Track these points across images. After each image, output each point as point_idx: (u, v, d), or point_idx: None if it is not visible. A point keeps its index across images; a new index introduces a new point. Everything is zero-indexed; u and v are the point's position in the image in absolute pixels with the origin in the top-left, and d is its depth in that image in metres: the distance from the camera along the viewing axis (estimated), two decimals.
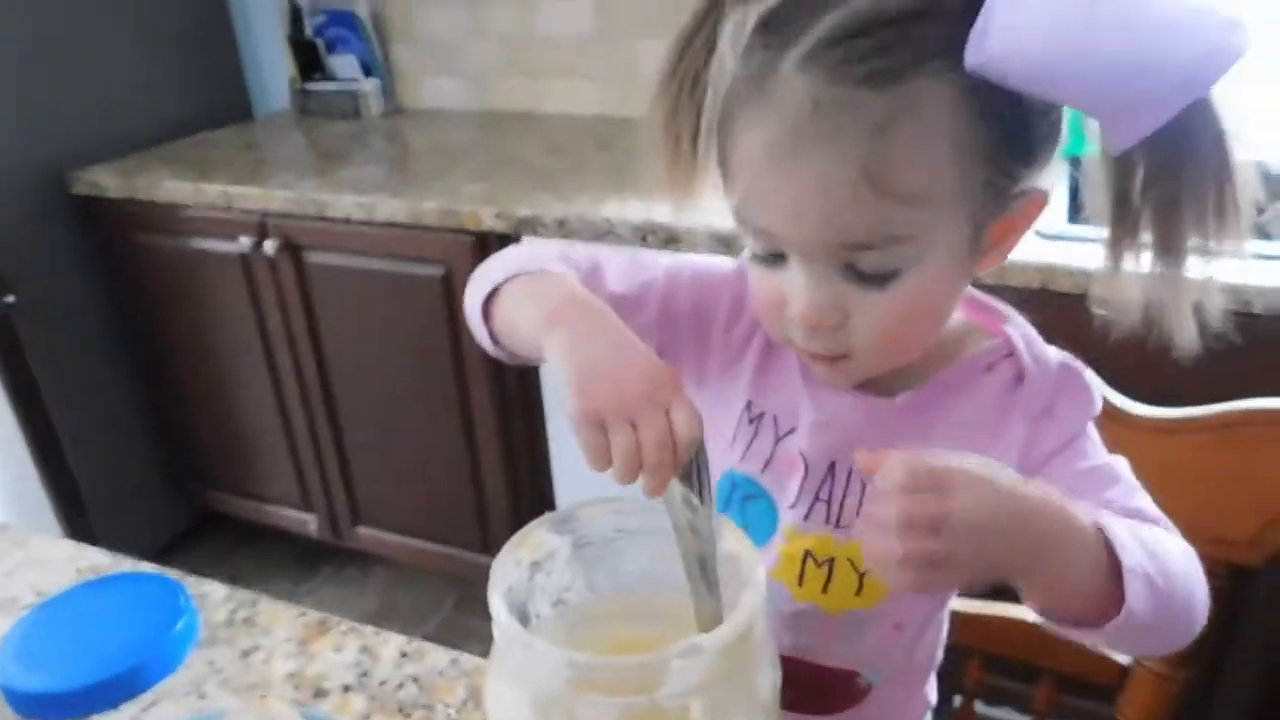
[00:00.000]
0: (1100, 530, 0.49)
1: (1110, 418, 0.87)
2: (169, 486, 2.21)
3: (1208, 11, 0.44)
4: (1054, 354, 0.62)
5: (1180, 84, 0.44)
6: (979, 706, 1.03)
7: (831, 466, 0.62)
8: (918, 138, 0.48)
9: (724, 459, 0.65)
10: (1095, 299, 0.53)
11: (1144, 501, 0.59)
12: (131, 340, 2.09)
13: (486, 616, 0.46)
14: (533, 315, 0.57)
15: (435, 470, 1.89)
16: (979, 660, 1.00)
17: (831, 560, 0.63)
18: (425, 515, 1.97)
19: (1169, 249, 0.49)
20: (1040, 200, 0.54)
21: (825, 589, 0.64)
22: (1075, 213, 1.45)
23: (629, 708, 0.43)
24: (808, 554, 0.63)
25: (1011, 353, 0.61)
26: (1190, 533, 0.85)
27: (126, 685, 0.71)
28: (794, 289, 0.53)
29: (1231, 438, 0.84)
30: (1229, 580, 0.87)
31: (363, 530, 2.04)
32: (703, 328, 0.66)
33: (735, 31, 0.51)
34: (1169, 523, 0.59)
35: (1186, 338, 0.51)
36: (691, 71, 0.55)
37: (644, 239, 1.49)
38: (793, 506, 0.63)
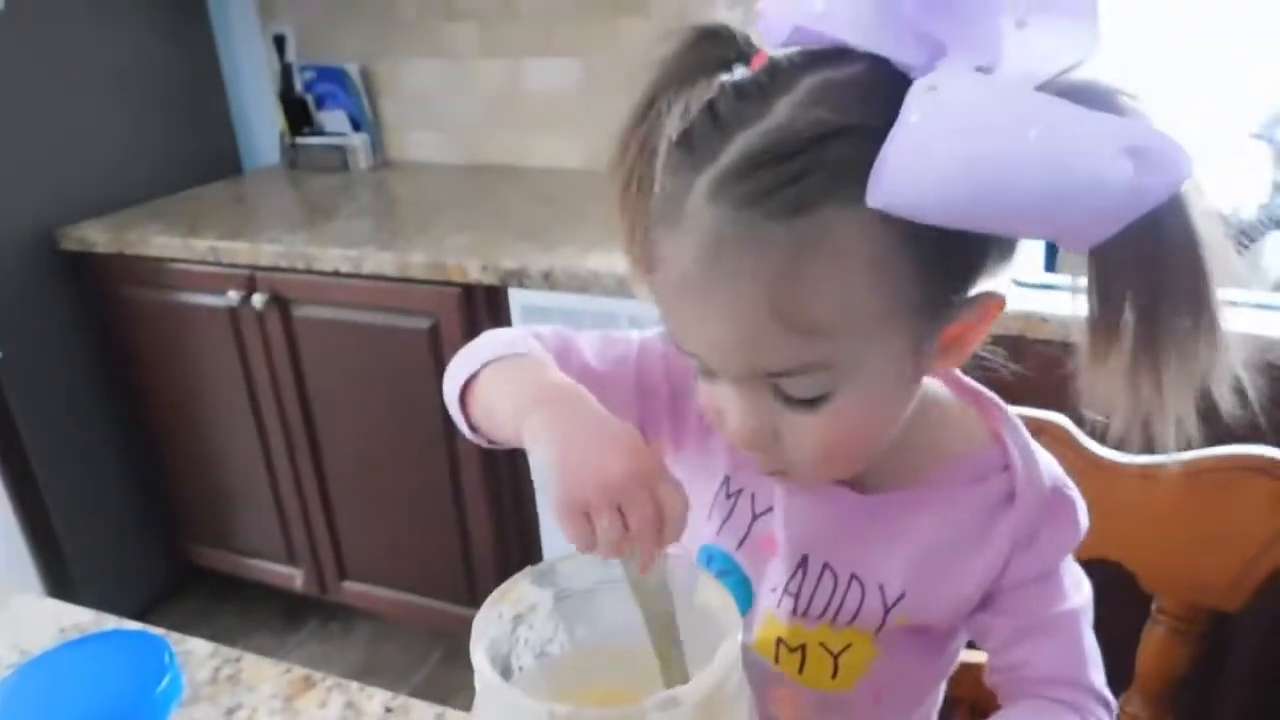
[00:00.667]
0: None
1: (1093, 465, 0.88)
2: (153, 540, 2.20)
3: (1140, 134, 0.41)
4: (1047, 475, 0.59)
5: (1121, 205, 0.42)
6: None
7: (803, 560, 0.61)
8: (829, 269, 0.46)
9: (701, 531, 0.64)
10: (1083, 398, 0.50)
11: (1093, 673, 0.60)
12: (118, 394, 2.09)
13: (472, 669, 0.46)
14: (510, 402, 0.57)
15: (422, 524, 1.89)
16: (967, 710, 1.01)
17: (803, 646, 0.62)
18: (412, 569, 1.96)
19: (1150, 343, 0.46)
20: (996, 303, 0.51)
21: (800, 671, 0.63)
22: (1052, 261, 1.49)
23: None
24: (780, 640, 0.62)
25: (1007, 466, 0.58)
26: (1169, 578, 0.87)
27: None
28: (727, 408, 0.53)
29: (1201, 484, 0.85)
30: (1210, 625, 0.88)
31: (349, 585, 2.03)
32: (677, 399, 0.65)
33: (666, 143, 0.50)
34: (1107, 698, 0.60)
35: (1167, 440, 0.49)
36: (636, 169, 0.54)
37: (628, 289, 1.51)
38: (767, 592, 0.62)
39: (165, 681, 0.75)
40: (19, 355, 1.90)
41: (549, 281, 1.56)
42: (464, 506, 1.83)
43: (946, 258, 0.48)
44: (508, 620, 0.51)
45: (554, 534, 1.78)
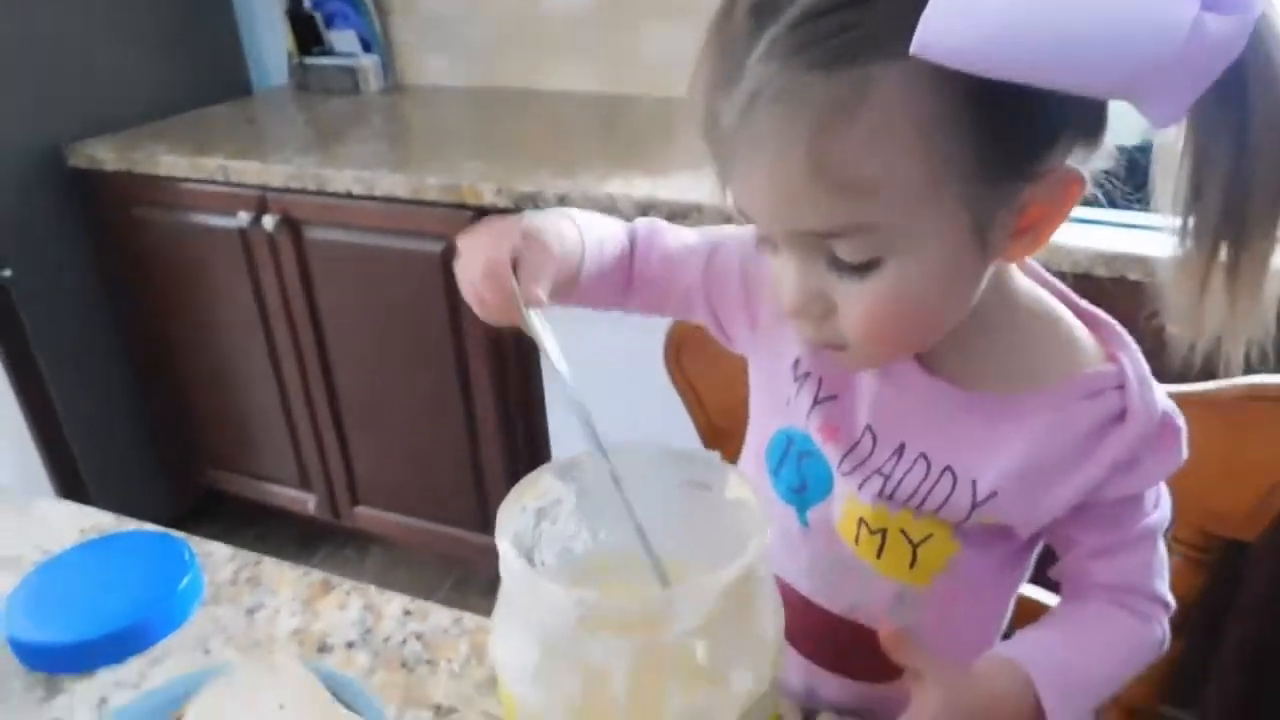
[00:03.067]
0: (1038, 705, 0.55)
1: None
2: (168, 464, 2.21)
3: None
4: (1160, 401, 0.58)
5: (1192, 54, 0.39)
6: None
7: (900, 447, 0.61)
8: (870, 126, 0.45)
9: (780, 414, 0.66)
10: (1170, 313, 0.50)
11: (1159, 582, 0.62)
12: (129, 315, 2.08)
13: (484, 595, 0.46)
14: None
15: (434, 449, 1.89)
16: None
17: (884, 530, 0.62)
18: (423, 494, 1.97)
19: (1235, 250, 0.45)
20: (1073, 180, 0.50)
21: (879, 556, 0.63)
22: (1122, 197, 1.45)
23: (637, 647, 0.43)
24: (861, 521, 0.63)
25: (1121, 386, 0.57)
26: (1187, 506, 0.87)
27: (132, 640, 0.72)
28: (783, 274, 0.53)
29: (1224, 414, 0.85)
30: (1225, 554, 0.88)
31: (361, 510, 2.05)
32: (751, 285, 0.67)
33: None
34: (1169, 603, 0.63)
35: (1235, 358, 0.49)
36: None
37: (646, 213, 1.49)
38: (847, 474, 0.62)
39: (186, 580, 0.76)
40: (29, 274, 1.89)
41: (564, 205, 1.53)
42: (476, 432, 1.83)
43: (1007, 124, 0.46)
44: (531, 514, 0.51)
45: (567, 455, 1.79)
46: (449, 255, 1.66)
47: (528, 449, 1.83)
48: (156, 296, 2.03)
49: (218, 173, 1.79)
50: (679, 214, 1.46)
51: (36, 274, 1.91)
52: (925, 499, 0.60)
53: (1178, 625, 0.90)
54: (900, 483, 0.60)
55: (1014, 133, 0.47)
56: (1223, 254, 0.46)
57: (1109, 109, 0.50)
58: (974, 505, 0.59)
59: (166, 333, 2.07)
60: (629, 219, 1.52)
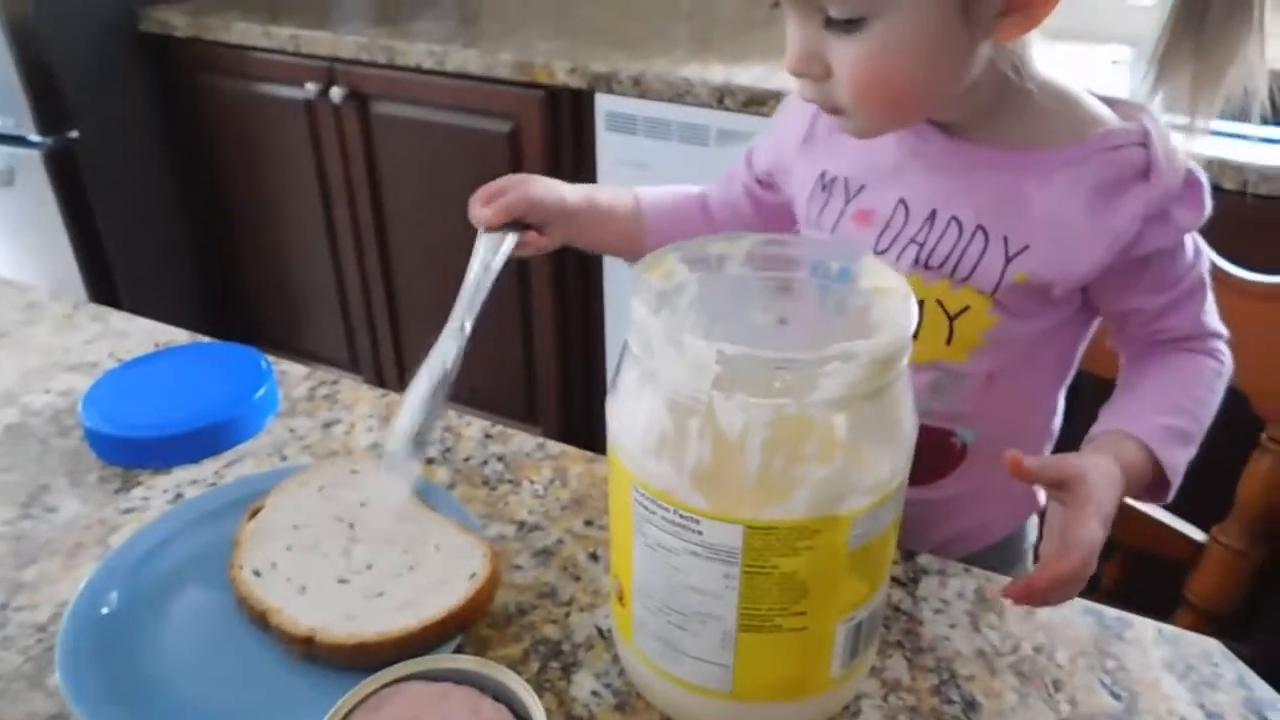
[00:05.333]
0: (1155, 462, 0.60)
1: (1219, 282, 0.83)
2: (215, 333, 2.21)
3: None
4: (1183, 158, 0.60)
5: None
6: None
7: (931, 214, 0.63)
8: None
9: (813, 230, 0.71)
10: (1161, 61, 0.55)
11: (1212, 319, 0.66)
12: (190, 183, 2.07)
13: None
14: None
15: (486, 339, 1.86)
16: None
17: (922, 303, 0.63)
18: (476, 385, 1.96)
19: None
20: None
21: (915, 335, 0.62)
22: None
23: (777, 411, 0.40)
24: None
25: (1144, 143, 0.59)
26: (1276, 400, 0.83)
27: (208, 440, 0.71)
28: (788, 35, 0.58)
29: None
30: None
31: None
32: (783, 150, 0.73)
33: None
34: (1223, 332, 0.67)
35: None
36: None
37: (721, 100, 1.44)
38: (881, 252, 0.65)
39: (262, 390, 0.74)
40: (95, 135, 1.88)
41: (639, 88, 1.49)
42: (531, 323, 1.81)
43: None
44: (654, 294, 0.48)
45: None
46: (517, 136, 1.63)
47: (581, 344, 1.80)
48: (218, 167, 2.01)
49: (288, 42, 1.75)
50: (755, 100, 1.41)
51: (102, 135, 1.90)
52: (960, 261, 0.62)
53: (1266, 530, 0.87)
54: (934, 248, 0.63)
55: None
56: (1185, 47, 0.53)
57: None
58: (1007, 260, 0.61)
59: (226, 204, 2.06)
60: (705, 103, 1.49)
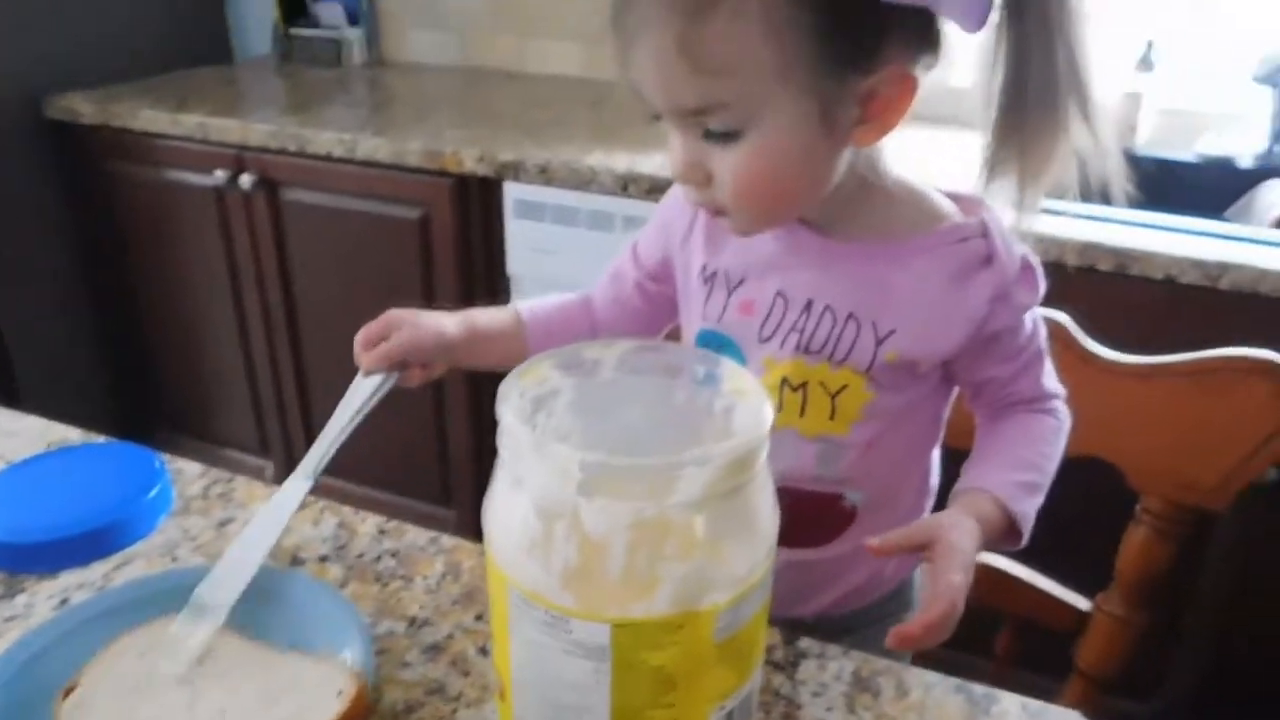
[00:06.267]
0: (1007, 513, 0.68)
1: (1086, 362, 0.90)
2: (128, 426, 2.16)
3: None
4: (1018, 247, 0.69)
5: None
6: (944, 651, 1.04)
7: (808, 304, 0.69)
8: (727, 20, 0.56)
9: (695, 319, 0.76)
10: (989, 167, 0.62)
11: (1051, 381, 0.75)
12: (97, 270, 2.04)
13: None
14: None
15: (399, 419, 1.87)
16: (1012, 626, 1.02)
17: (805, 384, 0.70)
18: (388, 466, 1.95)
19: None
20: (904, 77, 0.59)
21: (802, 413, 0.70)
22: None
23: (638, 514, 0.43)
24: (784, 380, 0.70)
25: (985, 234, 0.67)
26: (1159, 477, 0.89)
27: (98, 543, 0.71)
28: (673, 146, 0.63)
29: (1202, 384, 0.87)
30: (1193, 526, 0.89)
31: (322, 479, 2.01)
32: (670, 244, 0.78)
33: None
34: (1061, 393, 0.75)
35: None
36: None
37: (625, 188, 1.50)
38: (765, 340, 0.71)
39: (155, 490, 0.74)
40: (0, 222, 1.85)
41: (545, 175, 1.54)
42: (443, 404, 1.82)
43: (839, 23, 0.56)
44: (528, 401, 0.51)
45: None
46: (428, 222, 1.66)
47: (494, 422, 1.81)
48: (126, 253, 1.99)
49: (196, 130, 1.76)
50: (658, 188, 1.47)
51: (5, 223, 1.86)
52: (836, 345, 0.69)
53: (1146, 598, 0.92)
54: (813, 335, 0.69)
55: (847, 30, 0.57)
56: (1009, 150, 0.59)
57: (939, 23, 0.60)
58: (878, 342, 0.68)
59: (134, 290, 2.03)
60: (610, 191, 1.54)
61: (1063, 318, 0.91)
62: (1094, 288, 1.28)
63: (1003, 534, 0.68)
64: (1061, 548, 1.11)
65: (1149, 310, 1.27)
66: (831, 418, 0.70)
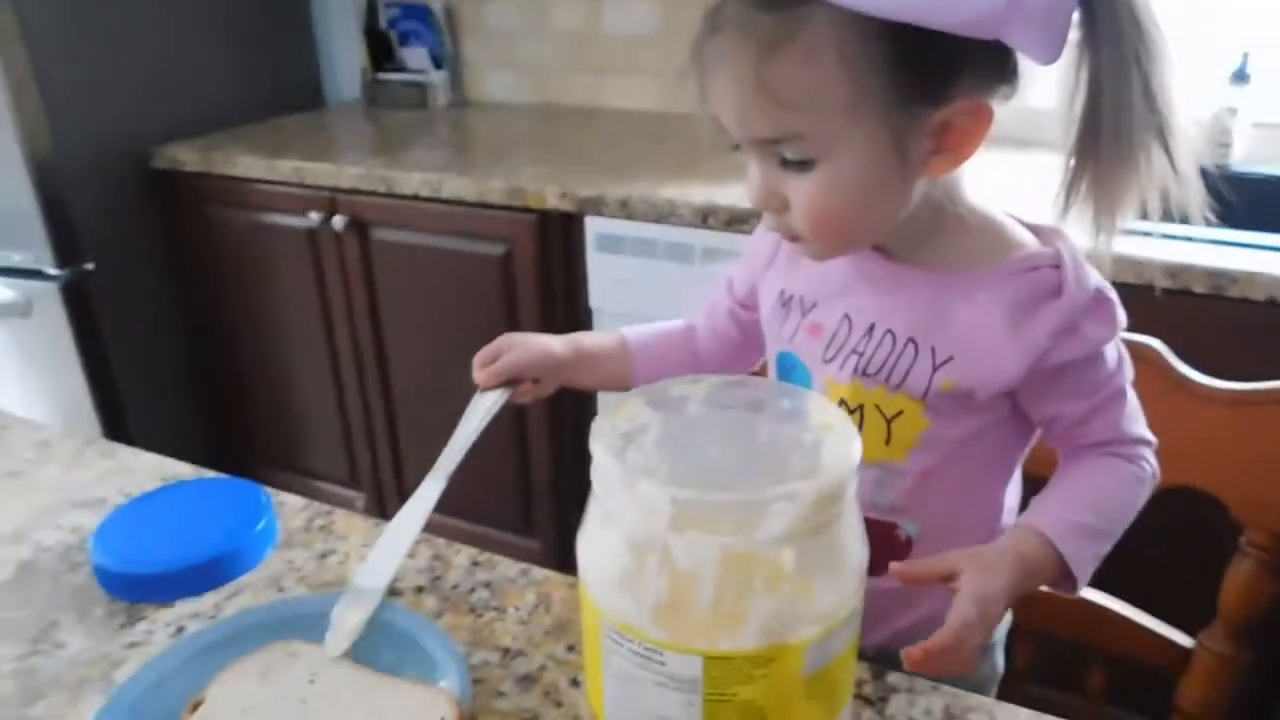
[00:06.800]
0: (1057, 554, 0.66)
1: (1182, 389, 0.87)
2: (223, 459, 2.26)
3: None
4: (1093, 278, 0.67)
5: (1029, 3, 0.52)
6: (1034, 688, 1.02)
7: (870, 327, 0.71)
8: (803, 55, 0.57)
9: (774, 346, 0.79)
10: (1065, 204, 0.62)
11: (1136, 426, 0.72)
12: (197, 311, 2.15)
13: None
14: None
15: (484, 454, 1.90)
16: (1030, 638, 1.00)
17: (861, 408, 0.71)
18: (472, 497, 1.99)
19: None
20: (978, 109, 0.60)
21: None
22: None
23: (727, 549, 0.44)
24: (842, 402, 0.71)
25: (1058, 265, 0.66)
26: (1264, 509, 0.86)
27: (210, 575, 0.74)
28: (751, 174, 0.65)
29: None
30: None
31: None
32: (755, 271, 0.81)
33: None
34: (1149, 440, 0.72)
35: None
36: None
37: (705, 219, 1.51)
38: (828, 361, 0.72)
39: (263, 523, 0.78)
40: (108, 267, 1.96)
41: (625, 210, 1.57)
42: (527, 439, 1.85)
43: (912, 56, 0.57)
44: (619, 436, 0.52)
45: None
46: (510, 258, 1.70)
47: (576, 457, 1.84)
48: (224, 294, 2.09)
49: (291, 174, 1.85)
50: (737, 219, 1.48)
51: (114, 267, 1.98)
52: (894, 369, 0.69)
53: (1250, 635, 0.89)
54: (871, 358, 0.70)
55: (919, 64, 0.57)
56: (1085, 178, 0.59)
57: (1014, 55, 0.60)
58: (934, 369, 0.68)
59: (231, 331, 2.13)
60: (689, 223, 1.56)
61: (1155, 343, 0.89)
62: (1188, 311, 1.25)
63: (1055, 574, 0.67)
64: (1161, 582, 1.08)
65: (1248, 333, 1.23)
66: (887, 443, 0.71)
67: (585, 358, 0.85)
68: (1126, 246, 1.24)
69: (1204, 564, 0.93)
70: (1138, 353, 0.89)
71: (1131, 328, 0.88)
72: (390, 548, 0.72)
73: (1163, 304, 1.23)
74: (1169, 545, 1.26)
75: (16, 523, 0.81)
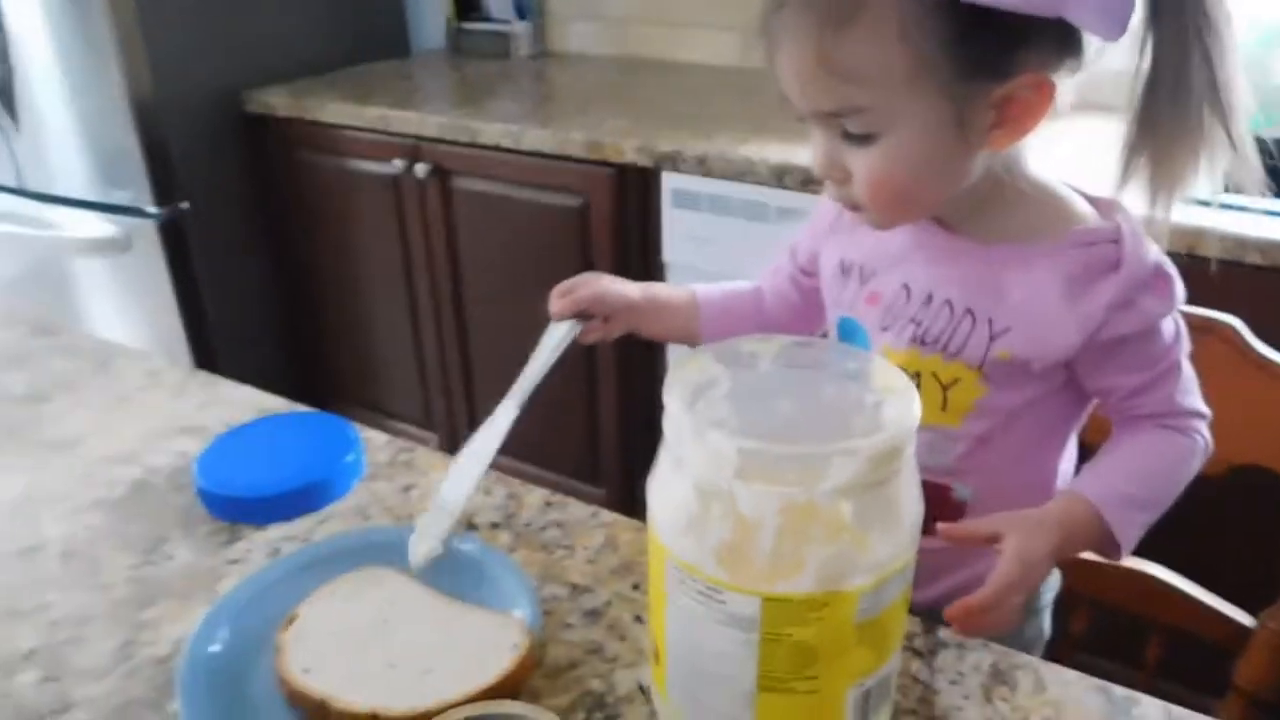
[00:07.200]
0: (1103, 521, 0.68)
1: (1261, 369, 0.87)
2: (301, 391, 2.35)
3: None
4: (1153, 253, 0.68)
5: None
6: (1086, 657, 1.03)
7: (929, 297, 0.72)
8: (864, 29, 0.59)
9: (834, 311, 0.81)
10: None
11: (1190, 399, 0.72)
12: (283, 251, 2.23)
13: None
14: None
15: (554, 400, 1.95)
16: (1087, 608, 1.01)
17: (918, 375, 0.72)
18: (541, 444, 2.04)
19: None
20: (1040, 83, 0.61)
21: None
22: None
23: (788, 498, 0.47)
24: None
25: (1117, 240, 0.67)
26: None
27: (303, 500, 0.80)
28: (814, 145, 0.67)
29: None
30: None
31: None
32: (817, 238, 0.84)
33: None
34: (1203, 413, 0.73)
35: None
36: None
37: (781, 179, 1.52)
38: (886, 329, 0.74)
39: (351, 455, 0.83)
40: (202, 206, 2.05)
41: (703, 166, 1.58)
42: (596, 390, 1.90)
43: (971, 32, 0.58)
44: (689, 388, 0.55)
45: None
46: (587, 211, 1.73)
47: (643, 414, 1.88)
48: (310, 236, 2.16)
49: (378, 121, 1.90)
50: (812, 179, 1.45)
51: (207, 207, 2.07)
52: (950, 339, 0.71)
53: None
54: (929, 327, 0.72)
55: (978, 39, 0.58)
56: (1145, 150, 0.60)
57: (1078, 30, 0.59)
58: (991, 339, 0.69)
59: (316, 271, 2.20)
60: (765, 181, 1.57)
61: (1235, 321, 0.88)
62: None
63: (1101, 541, 0.69)
64: (1228, 559, 1.08)
65: None
66: (943, 409, 0.72)
67: (657, 306, 0.87)
68: (1221, 221, 1.22)
69: (1272, 543, 0.92)
70: (1215, 330, 0.88)
71: (1214, 302, 0.87)
72: (467, 469, 0.75)
73: (1252, 280, 1.20)
74: (1238, 523, 1.25)
75: (129, 445, 0.88)
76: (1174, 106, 0.58)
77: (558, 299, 0.84)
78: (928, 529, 0.75)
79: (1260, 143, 0.62)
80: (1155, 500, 0.70)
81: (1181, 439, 0.72)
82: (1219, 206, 1.23)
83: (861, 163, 0.65)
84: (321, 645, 0.61)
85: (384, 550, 0.71)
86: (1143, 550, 0.81)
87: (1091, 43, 0.62)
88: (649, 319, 0.87)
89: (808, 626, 0.49)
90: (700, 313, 0.88)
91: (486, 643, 0.60)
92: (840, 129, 0.64)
